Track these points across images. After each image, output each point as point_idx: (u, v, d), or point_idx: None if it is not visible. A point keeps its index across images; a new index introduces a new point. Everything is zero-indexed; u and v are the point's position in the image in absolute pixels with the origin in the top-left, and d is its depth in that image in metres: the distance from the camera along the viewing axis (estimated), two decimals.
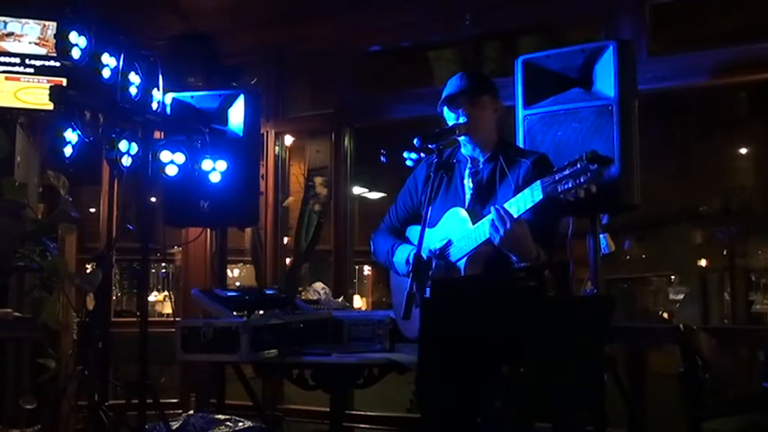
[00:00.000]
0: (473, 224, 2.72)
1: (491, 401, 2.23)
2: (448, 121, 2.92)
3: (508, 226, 2.54)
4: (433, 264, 2.80)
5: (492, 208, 2.60)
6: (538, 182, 2.50)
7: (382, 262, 3.08)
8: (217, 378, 4.11)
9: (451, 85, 2.91)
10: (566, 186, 2.40)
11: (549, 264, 2.77)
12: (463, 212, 2.80)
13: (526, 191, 2.56)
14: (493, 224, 2.57)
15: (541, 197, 2.49)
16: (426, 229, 2.71)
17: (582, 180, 2.37)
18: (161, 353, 3.80)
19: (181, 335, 3.11)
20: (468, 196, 2.89)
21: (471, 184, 2.90)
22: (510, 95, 3.48)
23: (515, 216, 2.56)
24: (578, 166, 2.38)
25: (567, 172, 2.40)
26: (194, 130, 3.82)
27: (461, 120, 2.85)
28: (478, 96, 2.88)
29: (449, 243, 2.81)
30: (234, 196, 4.02)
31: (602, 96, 3.21)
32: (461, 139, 2.89)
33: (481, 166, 2.91)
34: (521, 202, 2.57)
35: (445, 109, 2.92)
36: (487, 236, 2.63)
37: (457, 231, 2.79)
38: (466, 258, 2.75)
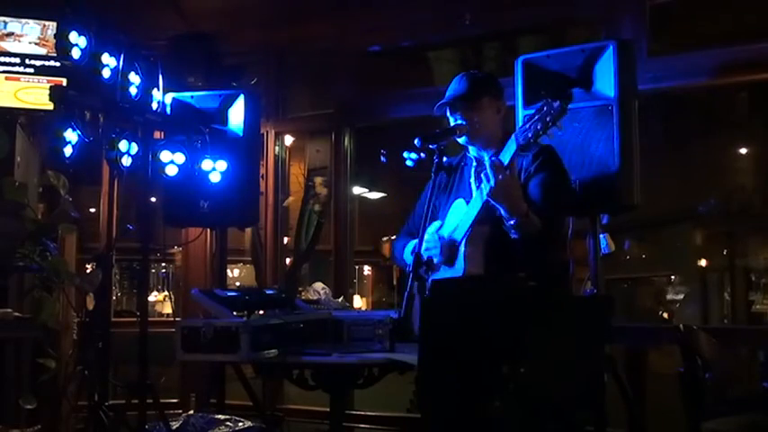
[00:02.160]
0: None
1: (491, 401, 2.23)
2: (450, 122, 2.93)
3: (500, 176, 2.58)
4: (438, 256, 2.81)
5: (488, 158, 2.66)
6: (513, 135, 2.62)
7: (399, 264, 3.11)
8: (217, 378, 4.11)
9: (450, 89, 2.92)
10: (537, 128, 2.51)
11: (548, 234, 2.76)
12: (461, 201, 2.86)
13: (505, 147, 2.66)
14: (485, 174, 2.61)
15: (515, 146, 2.60)
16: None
17: (549, 119, 2.48)
18: (161, 353, 3.80)
19: (181, 335, 3.10)
20: (475, 194, 2.91)
21: (477, 183, 2.92)
22: (510, 95, 3.48)
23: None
24: (544, 108, 2.50)
25: (535, 117, 2.53)
26: (194, 130, 3.82)
27: (458, 122, 2.87)
28: (476, 100, 2.88)
29: (454, 229, 2.84)
30: (234, 196, 4.02)
31: (602, 96, 3.21)
32: (462, 140, 2.90)
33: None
34: (504, 155, 2.65)
35: (447, 110, 2.93)
36: (479, 204, 2.67)
37: (459, 217, 2.83)
38: (465, 239, 2.77)
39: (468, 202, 2.84)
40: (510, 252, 2.68)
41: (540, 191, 2.74)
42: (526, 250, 2.66)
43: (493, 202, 2.62)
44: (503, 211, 2.64)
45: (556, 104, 2.47)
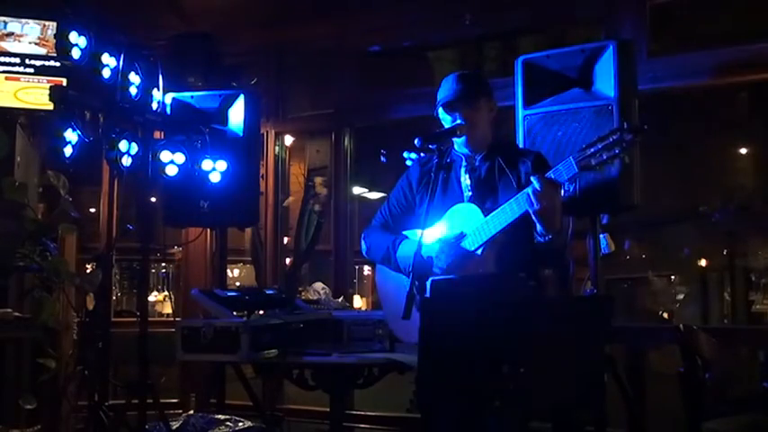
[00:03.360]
0: (485, 215, 2.76)
1: (491, 401, 2.23)
2: (443, 122, 2.93)
3: (555, 196, 2.58)
4: (445, 257, 2.81)
5: (533, 177, 2.61)
6: (570, 158, 2.57)
7: (379, 258, 3.05)
8: (217, 378, 4.11)
9: (447, 89, 2.91)
10: (600, 159, 2.49)
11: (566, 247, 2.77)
12: (472, 206, 2.83)
13: (559, 167, 2.61)
14: (534, 191, 2.58)
15: (576, 171, 2.57)
16: (426, 229, 2.72)
17: (617, 151, 2.46)
18: (161, 353, 3.80)
19: (181, 335, 3.11)
20: (466, 193, 2.91)
21: (469, 181, 2.91)
22: (510, 95, 3.49)
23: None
24: (610, 139, 2.47)
25: (599, 146, 2.49)
26: (194, 130, 3.82)
27: (458, 122, 2.87)
28: (475, 101, 2.89)
29: (461, 235, 2.83)
30: (234, 196, 4.02)
31: (602, 96, 3.21)
32: (459, 140, 2.90)
33: (477, 163, 2.93)
34: (559, 175, 2.62)
35: (440, 110, 2.93)
36: (510, 217, 2.66)
37: (469, 224, 2.81)
38: (483, 248, 2.76)
39: (484, 208, 2.81)
40: (522, 258, 2.69)
41: None
42: (543, 259, 2.68)
43: (536, 217, 2.62)
44: (541, 227, 2.64)
45: (629, 137, 2.44)
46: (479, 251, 2.78)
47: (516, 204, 2.66)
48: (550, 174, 2.62)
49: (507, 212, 2.70)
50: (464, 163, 2.95)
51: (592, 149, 2.51)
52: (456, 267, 2.79)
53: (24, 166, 4.23)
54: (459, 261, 2.79)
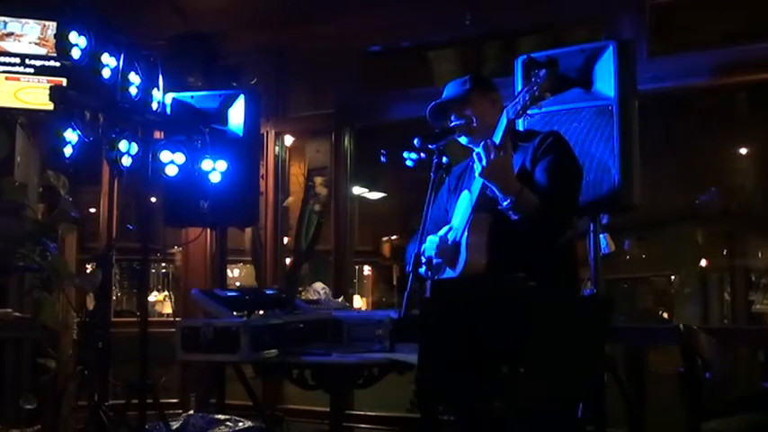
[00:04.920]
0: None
1: (491, 401, 2.23)
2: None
3: (492, 155, 2.60)
4: (436, 258, 2.80)
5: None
6: (504, 112, 2.67)
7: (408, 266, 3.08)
8: (217, 378, 4.12)
9: (440, 99, 2.93)
10: (525, 99, 2.57)
11: (553, 215, 2.70)
12: (467, 191, 2.84)
13: (497, 126, 2.69)
14: (478, 155, 2.63)
15: (506, 121, 2.64)
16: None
17: (536, 89, 2.54)
18: (161, 353, 3.80)
19: (181, 335, 3.10)
20: (479, 187, 2.90)
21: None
22: (510, 95, 3.47)
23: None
24: (531, 79, 2.57)
25: (524, 89, 2.60)
26: (194, 130, 3.82)
27: (454, 122, 2.86)
28: (463, 96, 2.87)
29: (458, 221, 2.83)
30: (234, 196, 4.02)
31: (602, 96, 3.21)
32: (463, 140, 2.89)
33: None
34: (496, 135, 2.68)
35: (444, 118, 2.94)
36: (474, 199, 2.69)
37: (462, 207, 2.83)
38: (467, 227, 2.75)
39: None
40: (514, 241, 2.65)
41: (546, 175, 2.70)
42: (529, 234, 2.64)
43: (486, 181, 2.63)
44: (497, 192, 2.63)
45: (542, 73, 2.53)
46: (464, 230, 2.77)
47: (478, 179, 2.68)
48: (495, 132, 2.68)
49: (476, 185, 2.72)
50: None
51: (517, 96, 2.61)
52: (443, 256, 2.79)
53: (24, 166, 4.23)
54: (445, 248, 2.79)
